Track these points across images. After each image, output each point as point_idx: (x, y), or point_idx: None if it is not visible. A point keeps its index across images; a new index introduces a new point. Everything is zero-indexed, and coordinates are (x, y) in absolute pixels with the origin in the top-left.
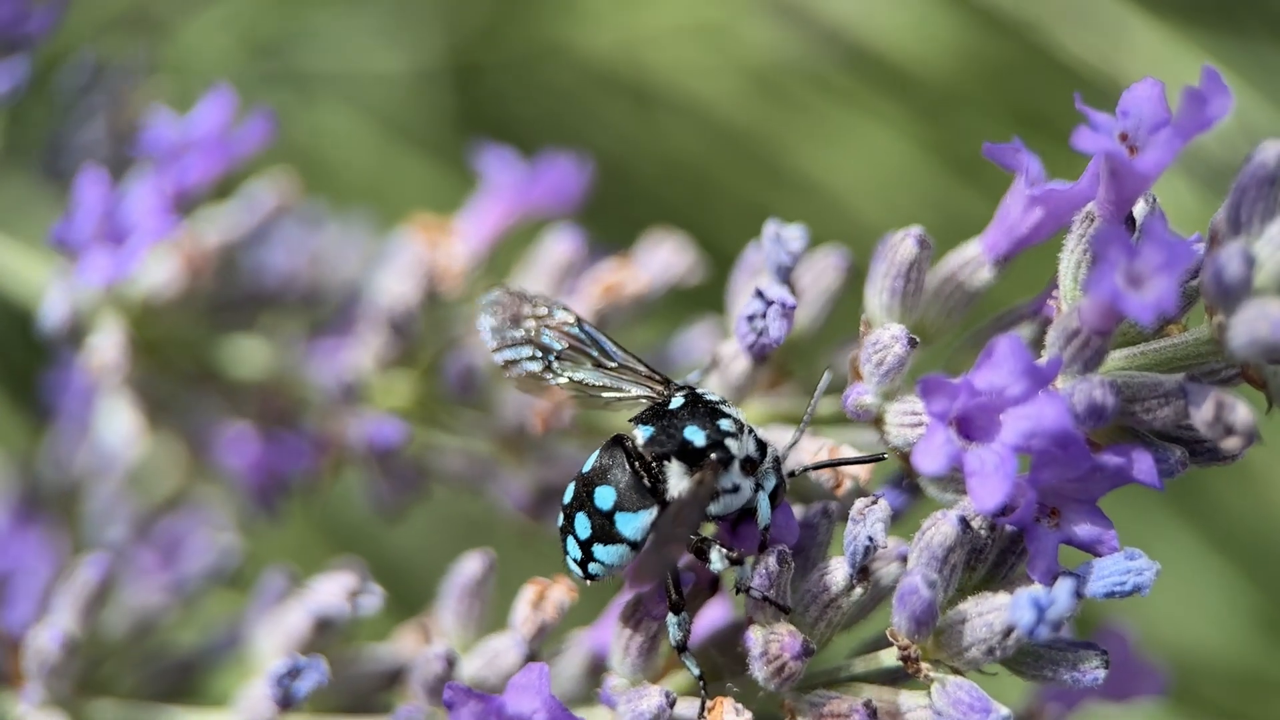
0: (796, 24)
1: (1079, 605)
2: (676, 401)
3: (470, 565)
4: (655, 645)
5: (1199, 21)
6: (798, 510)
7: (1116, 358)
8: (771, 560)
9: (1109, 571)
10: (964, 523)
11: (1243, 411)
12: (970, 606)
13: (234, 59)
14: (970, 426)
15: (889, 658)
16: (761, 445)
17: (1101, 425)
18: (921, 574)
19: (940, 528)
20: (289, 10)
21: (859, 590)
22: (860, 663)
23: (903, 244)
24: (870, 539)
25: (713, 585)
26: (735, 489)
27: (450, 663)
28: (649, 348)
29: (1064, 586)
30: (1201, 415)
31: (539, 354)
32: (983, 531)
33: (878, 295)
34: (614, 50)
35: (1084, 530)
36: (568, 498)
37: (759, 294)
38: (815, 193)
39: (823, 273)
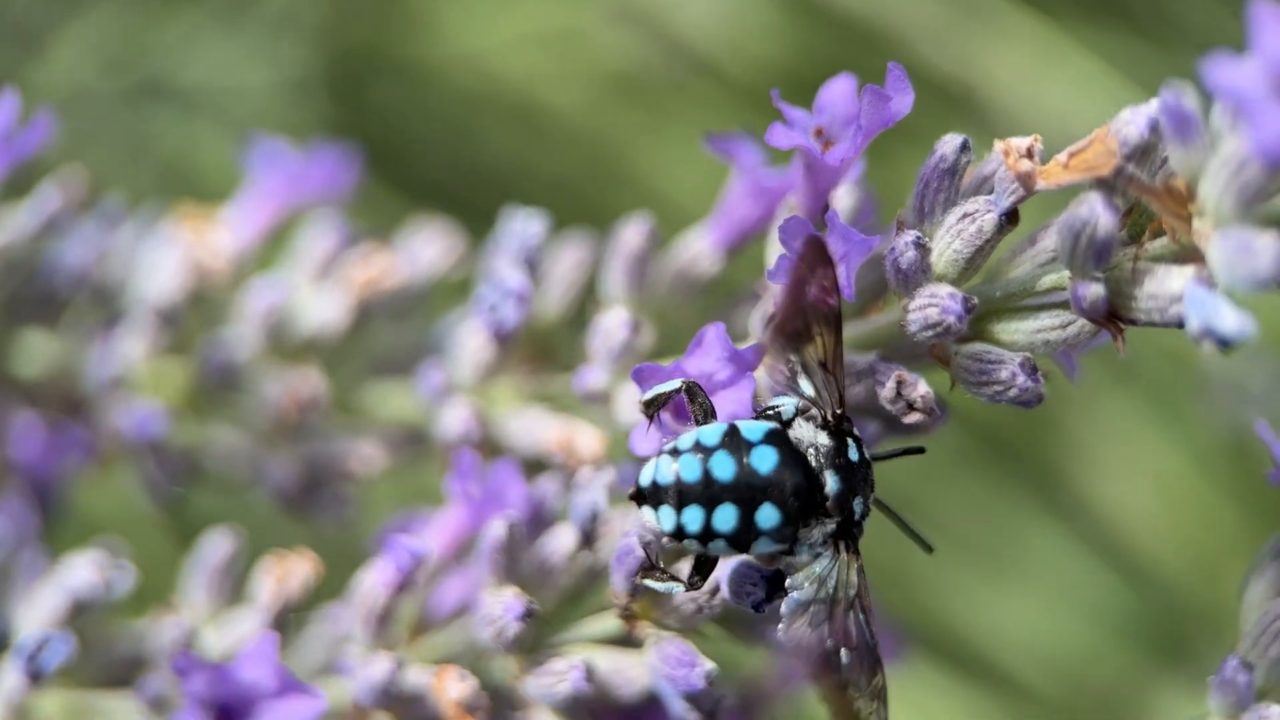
0: (644, 32)
1: None
2: (854, 453)
3: (218, 544)
4: (391, 616)
5: (1087, 19)
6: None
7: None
8: (499, 527)
9: None
10: None
11: (922, 388)
12: (683, 568)
13: (106, 75)
14: (684, 409)
15: (615, 621)
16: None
17: None
18: (637, 534)
19: None
20: (169, 29)
21: (585, 555)
22: (589, 627)
23: (630, 235)
24: (594, 504)
25: None
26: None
27: (188, 634)
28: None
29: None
30: (885, 392)
31: None
32: None
33: (612, 282)
34: (465, 62)
35: None
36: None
37: (495, 281)
38: (661, 198)
39: (567, 262)
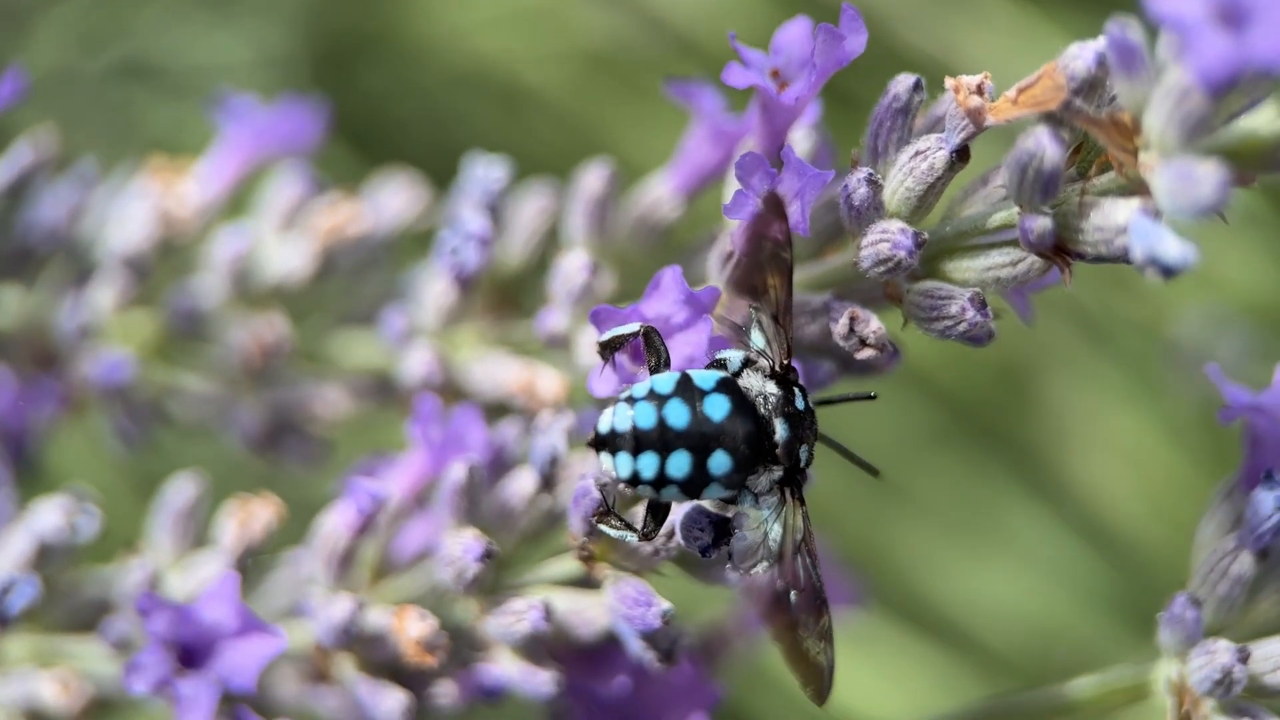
0: (623, 9)
1: None
2: (799, 402)
3: (183, 489)
4: (353, 558)
5: (1070, 4)
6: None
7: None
8: (459, 470)
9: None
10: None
11: (874, 324)
12: (639, 509)
13: (88, 55)
14: (640, 352)
15: (574, 562)
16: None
17: None
18: (593, 477)
19: None
20: (151, 8)
21: (544, 498)
22: (548, 568)
23: (591, 179)
24: (553, 447)
25: None
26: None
27: (152, 577)
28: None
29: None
30: (838, 328)
31: None
32: None
33: (573, 227)
34: (446, 41)
35: None
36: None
37: (457, 225)
38: (643, 174)
39: (530, 209)
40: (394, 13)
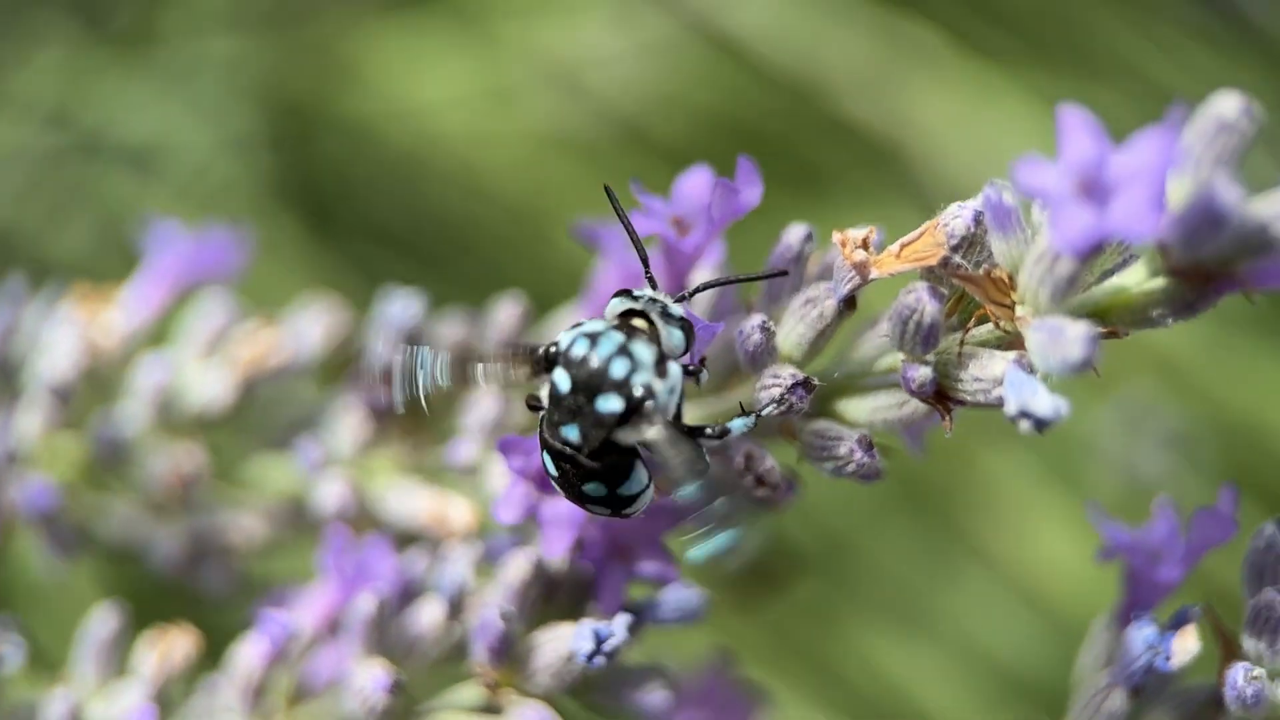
0: (572, 94)
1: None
2: (562, 383)
3: (106, 619)
4: (266, 687)
5: (1032, 62)
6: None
7: (687, 414)
8: (367, 602)
9: (670, 600)
10: (538, 560)
11: (769, 463)
12: (540, 636)
13: (46, 131)
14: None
15: (479, 689)
16: (648, 321)
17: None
18: (498, 606)
19: (516, 564)
20: (109, 86)
21: (452, 626)
22: (454, 695)
23: (503, 316)
24: (460, 577)
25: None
26: (671, 390)
27: (74, 707)
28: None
29: (620, 620)
30: (735, 465)
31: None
32: (561, 567)
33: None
34: (400, 121)
35: (650, 567)
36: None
37: (373, 356)
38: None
39: (445, 335)
40: (349, 91)
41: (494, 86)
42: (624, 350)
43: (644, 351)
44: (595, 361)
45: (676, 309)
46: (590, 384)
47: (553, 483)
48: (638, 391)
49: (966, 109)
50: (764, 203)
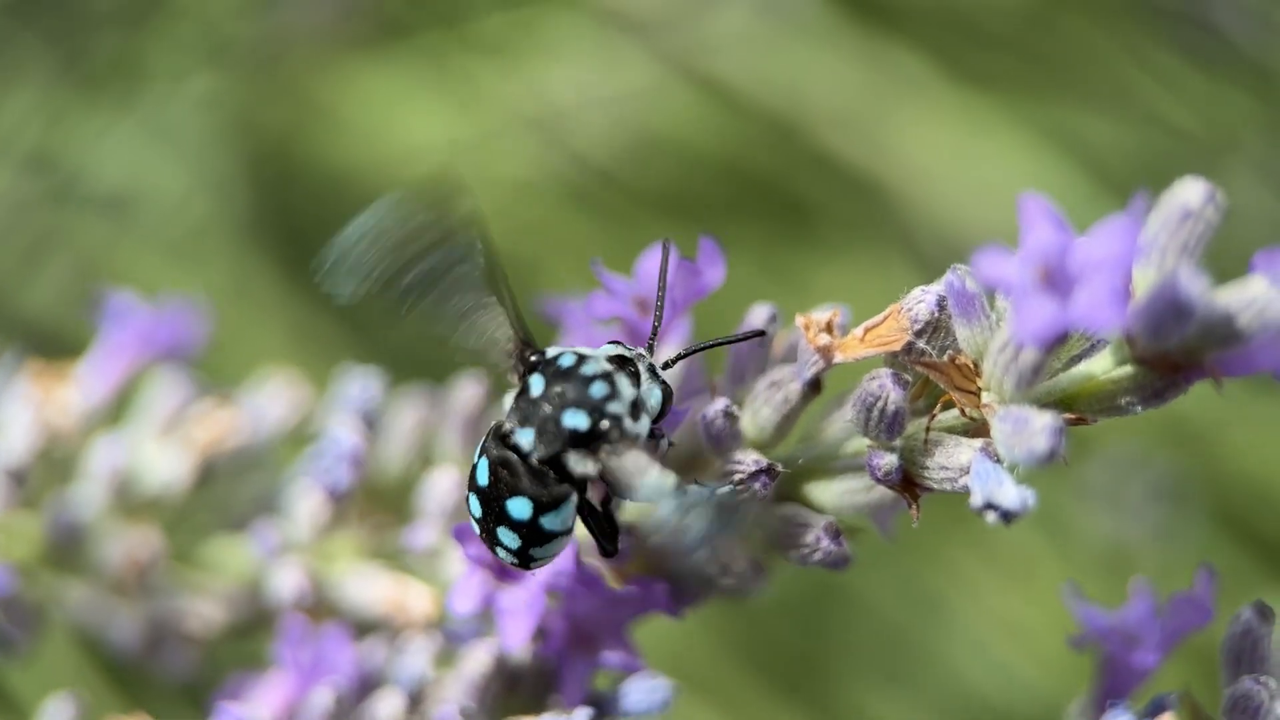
0: (551, 142)
1: None
2: (536, 386)
3: (61, 710)
4: None
5: (1028, 93)
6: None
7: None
8: (324, 696)
9: (635, 691)
10: (499, 652)
11: (735, 549)
12: None
13: (21, 177)
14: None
15: None
16: (633, 371)
17: (627, 563)
18: (458, 702)
19: (476, 658)
20: (82, 128)
21: (411, 719)
22: None
23: (464, 396)
24: (419, 669)
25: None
26: (636, 436)
27: None
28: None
29: (582, 714)
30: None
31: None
32: (523, 658)
33: (447, 441)
34: (378, 168)
35: (614, 656)
36: (477, 512)
37: (330, 443)
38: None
39: (407, 420)
40: (327, 133)
41: (473, 131)
42: (608, 378)
43: (626, 388)
44: (577, 376)
45: (661, 374)
46: (564, 396)
47: (472, 499)
48: (606, 420)
49: (956, 140)
50: (755, 240)
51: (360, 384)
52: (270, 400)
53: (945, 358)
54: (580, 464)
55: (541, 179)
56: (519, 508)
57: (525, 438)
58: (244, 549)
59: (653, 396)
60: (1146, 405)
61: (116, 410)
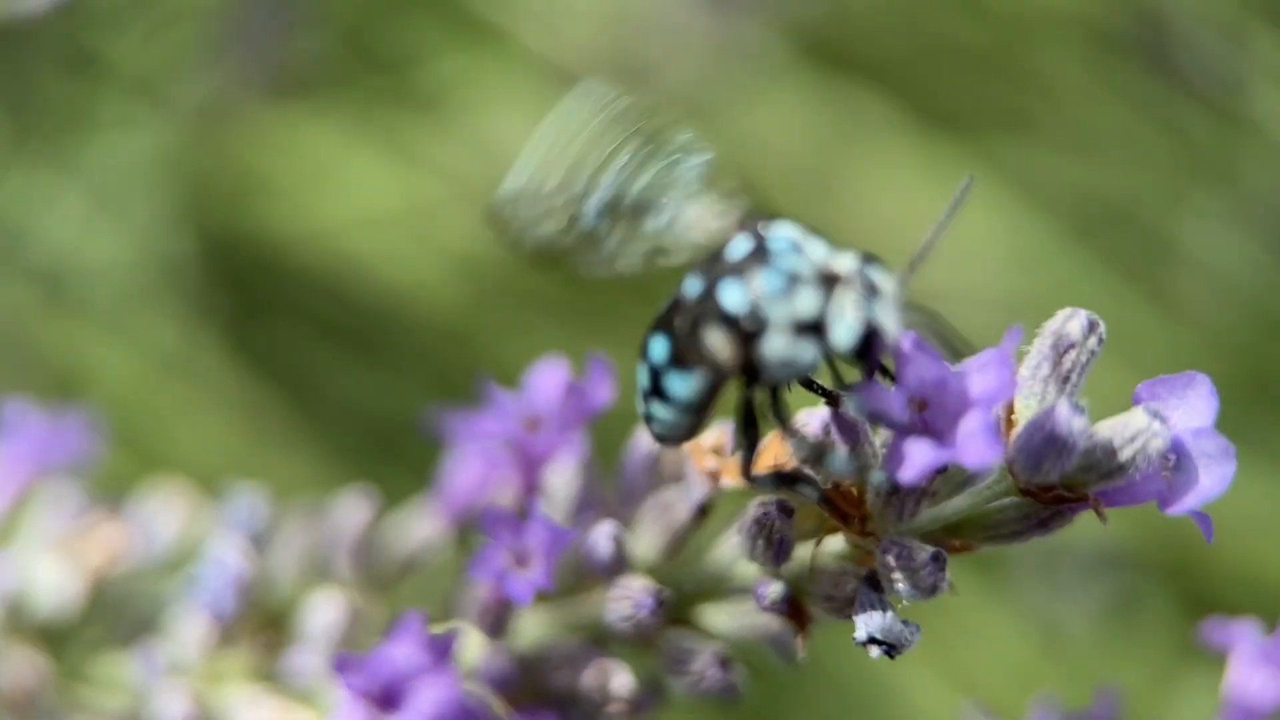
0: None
1: None
2: (738, 246)
3: None
4: None
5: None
6: None
7: (540, 619)
8: None
9: None
10: None
11: (620, 680)
12: None
13: None
14: (392, 697)
15: None
16: (828, 288)
17: (516, 690)
18: None
19: None
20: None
21: None
22: None
23: (352, 518)
24: None
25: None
26: (788, 360)
27: None
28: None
29: None
30: (584, 680)
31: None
32: None
33: (335, 563)
34: (310, 239)
35: None
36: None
37: (213, 565)
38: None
39: (296, 543)
40: (269, 203)
41: (415, 196)
42: (795, 279)
43: (808, 298)
44: (772, 258)
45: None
46: (742, 268)
47: None
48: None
49: (918, 185)
50: None
51: (248, 503)
52: (163, 513)
53: (830, 485)
54: (719, 340)
55: (486, 249)
56: (657, 344)
57: (691, 287)
58: (132, 668)
59: (841, 324)
60: (1032, 534)
61: (6, 527)
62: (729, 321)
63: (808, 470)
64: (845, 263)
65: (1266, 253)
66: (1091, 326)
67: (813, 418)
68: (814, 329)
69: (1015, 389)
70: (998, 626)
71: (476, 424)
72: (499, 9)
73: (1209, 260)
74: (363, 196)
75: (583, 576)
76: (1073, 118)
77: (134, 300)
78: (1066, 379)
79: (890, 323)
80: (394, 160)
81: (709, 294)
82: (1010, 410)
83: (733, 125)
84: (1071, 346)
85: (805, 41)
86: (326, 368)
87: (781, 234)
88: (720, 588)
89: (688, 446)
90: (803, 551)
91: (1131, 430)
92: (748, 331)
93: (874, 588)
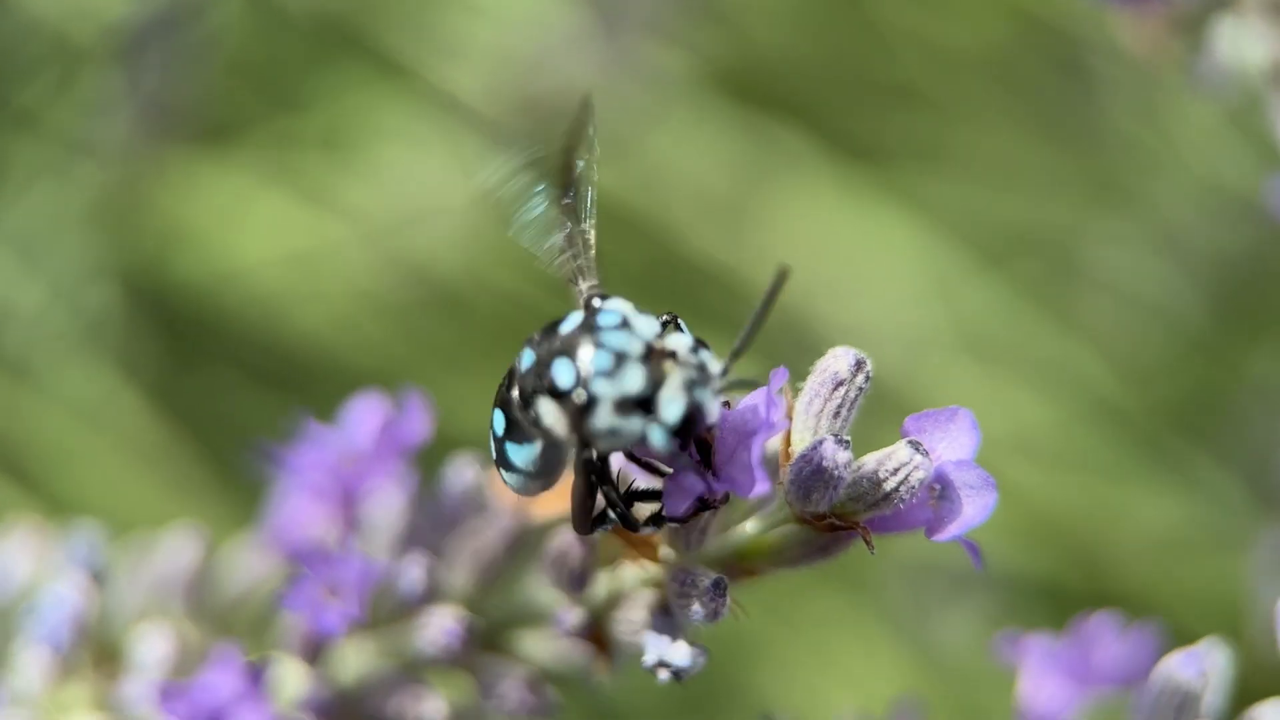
0: (388, 259)
1: None
2: (570, 322)
3: None
4: None
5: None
6: None
7: (359, 649)
8: None
9: None
10: None
11: (432, 705)
12: None
13: None
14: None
15: None
16: (657, 365)
17: (336, 717)
18: None
19: None
20: None
21: None
22: None
23: (182, 559)
24: None
25: None
26: (614, 432)
27: None
28: None
29: None
30: (400, 706)
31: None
32: None
33: (168, 599)
34: (224, 282)
35: None
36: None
37: (52, 601)
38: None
39: (141, 581)
40: (182, 256)
41: (315, 237)
42: (621, 358)
43: (634, 378)
44: (599, 333)
45: (717, 386)
46: (570, 344)
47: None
48: (584, 393)
49: (829, 215)
50: None
51: (88, 540)
52: (15, 551)
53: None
54: (550, 413)
55: (387, 289)
56: (496, 420)
57: (525, 360)
58: None
59: (671, 406)
60: (815, 560)
61: None
62: (560, 396)
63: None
64: (678, 342)
65: (1181, 276)
66: (859, 365)
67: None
68: (640, 405)
69: (785, 425)
70: (873, 645)
71: (298, 458)
72: (401, 45)
73: (1124, 286)
74: (272, 237)
75: (399, 606)
76: (985, 148)
77: (53, 349)
78: (837, 414)
79: (712, 406)
80: (301, 200)
81: (542, 370)
82: (788, 444)
83: (643, 158)
84: (841, 384)
85: (716, 75)
86: (250, 411)
87: (612, 310)
88: (530, 615)
89: (489, 475)
90: (607, 581)
91: (895, 463)
92: (578, 405)
93: (665, 613)
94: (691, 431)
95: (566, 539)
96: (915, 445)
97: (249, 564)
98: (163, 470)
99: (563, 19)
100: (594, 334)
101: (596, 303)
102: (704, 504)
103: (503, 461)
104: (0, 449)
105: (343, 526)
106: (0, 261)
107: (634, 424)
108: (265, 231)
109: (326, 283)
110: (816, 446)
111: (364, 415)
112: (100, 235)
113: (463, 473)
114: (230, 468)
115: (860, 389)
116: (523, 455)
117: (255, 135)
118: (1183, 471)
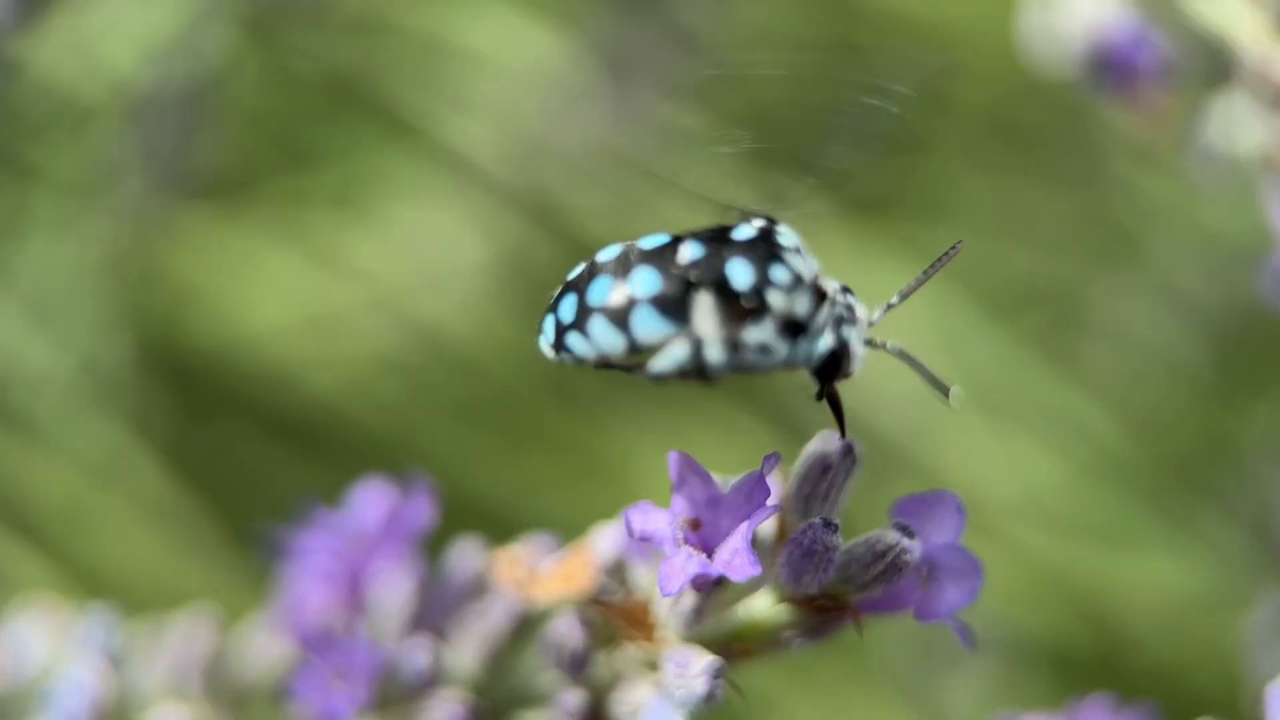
0: (399, 321)
1: None
2: (743, 232)
3: None
4: None
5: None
6: None
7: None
8: None
9: None
10: None
11: None
12: None
13: None
14: None
15: None
16: (818, 301)
17: None
18: None
19: None
20: None
21: None
22: None
23: (195, 642)
24: None
25: None
26: (764, 349)
27: None
28: None
29: None
30: None
31: None
32: None
33: (185, 681)
34: (237, 344)
35: None
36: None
37: (70, 686)
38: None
39: (160, 665)
40: (196, 316)
41: (326, 301)
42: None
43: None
44: (776, 249)
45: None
46: (751, 251)
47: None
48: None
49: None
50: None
51: (103, 623)
52: (30, 628)
53: (618, 598)
54: (704, 311)
55: (398, 351)
56: (647, 276)
57: (691, 251)
58: None
59: (825, 338)
60: (807, 640)
61: None
62: (728, 295)
63: (601, 584)
64: (831, 285)
65: (1187, 327)
66: (847, 449)
67: (605, 533)
68: (796, 331)
69: (777, 508)
70: (880, 708)
71: (305, 542)
72: (412, 103)
73: (1131, 337)
74: (285, 300)
75: (405, 688)
76: (991, 200)
77: (69, 409)
78: (826, 497)
79: (859, 348)
80: (312, 260)
81: (717, 263)
82: (782, 526)
83: (652, 212)
84: (829, 469)
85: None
86: (263, 467)
87: (790, 234)
88: (532, 696)
89: (497, 560)
90: (604, 662)
91: (883, 546)
92: (745, 309)
93: (663, 694)
94: (834, 372)
95: (566, 623)
96: (903, 528)
97: (262, 646)
98: (174, 528)
99: (574, 75)
100: (776, 249)
101: (769, 225)
102: (697, 584)
103: (614, 318)
104: (10, 506)
105: (350, 610)
106: (12, 318)
107: (782, 348)
108: (277, 292)
109: (339, 347)
110: (806, 530)
111: (370, 500)
112: (112, 292)
113: (467, 555)
114: (242, 526)
115: (848, 472)
116: (648, 327)
117: (267, 192)
118: (1190, 527)
